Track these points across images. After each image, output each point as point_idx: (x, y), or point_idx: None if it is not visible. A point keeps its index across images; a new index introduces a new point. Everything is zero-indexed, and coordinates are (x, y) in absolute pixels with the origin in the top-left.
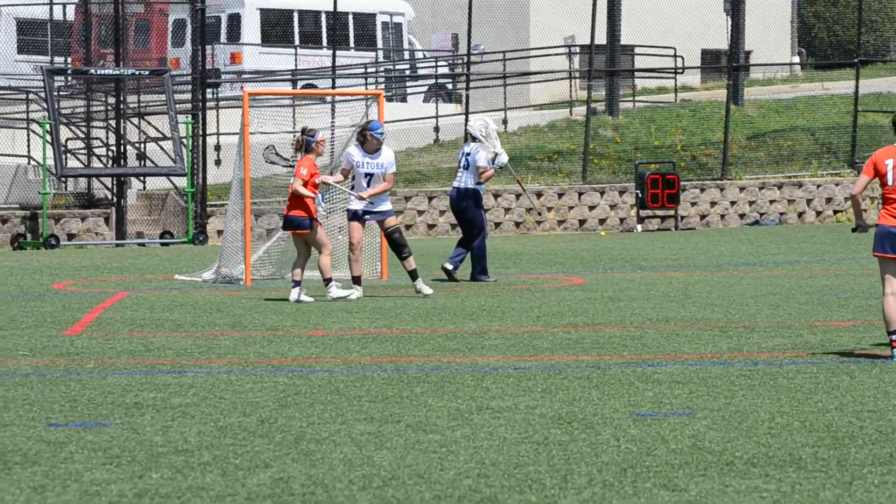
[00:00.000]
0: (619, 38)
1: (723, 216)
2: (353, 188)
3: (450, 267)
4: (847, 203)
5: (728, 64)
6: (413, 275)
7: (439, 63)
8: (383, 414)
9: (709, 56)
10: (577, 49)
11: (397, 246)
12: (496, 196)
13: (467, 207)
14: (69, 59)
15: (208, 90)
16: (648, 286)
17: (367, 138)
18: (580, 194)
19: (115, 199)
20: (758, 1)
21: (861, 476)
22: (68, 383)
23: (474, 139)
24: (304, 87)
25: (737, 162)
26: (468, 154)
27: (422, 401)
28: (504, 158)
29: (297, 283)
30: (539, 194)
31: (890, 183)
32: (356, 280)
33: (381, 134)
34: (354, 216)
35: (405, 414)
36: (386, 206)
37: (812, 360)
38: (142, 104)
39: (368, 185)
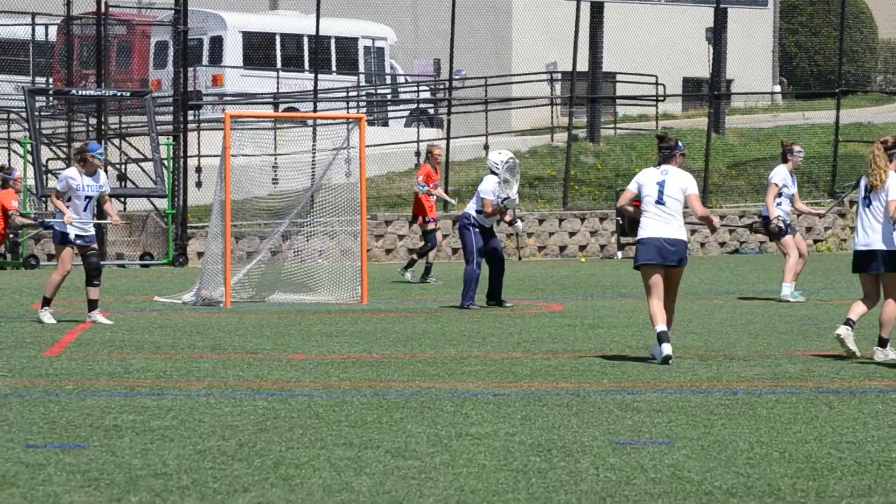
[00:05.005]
0: (601, 65)
1: (703, 244)
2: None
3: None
4: (827, 233)
5: (709, 92)
6: (93, 305)
7: (421, 88)
8: (362, 439)
9: (690, 84)
10: (559, 75)
11: (96, 271)
12: None
13: (458, 230)
14: (51, 80)
15: (190, 112)
16: (628, 314)
17: (88, 159)
18: (561, 220)
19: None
20: (739, 30)
21: None
22: (47, 405)
23: (492, 172)
24: (285, 110)
25: (717, 190)
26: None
27: (401, 426)
28: (513, 202)
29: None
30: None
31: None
32: (47, 302)
33: (101, 154)
34: (66, 240)
35: (384, 439)
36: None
37: (791, 389)
38: (123, 125)
39: (86, 209)
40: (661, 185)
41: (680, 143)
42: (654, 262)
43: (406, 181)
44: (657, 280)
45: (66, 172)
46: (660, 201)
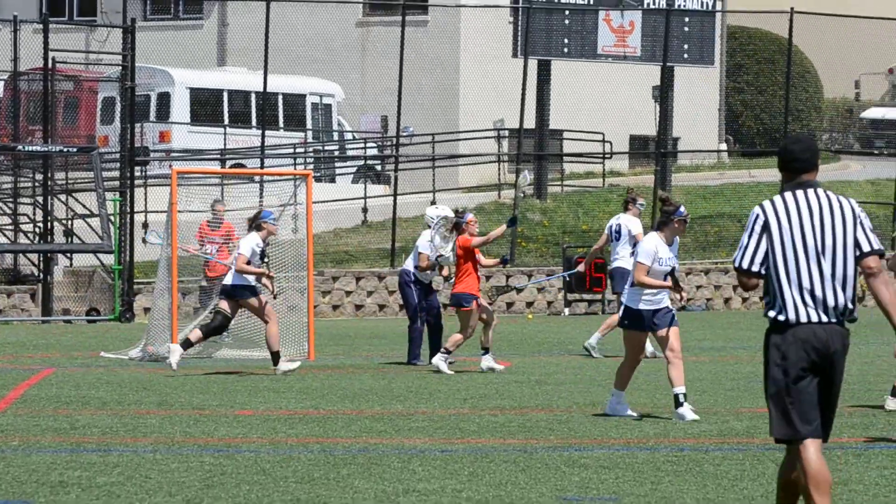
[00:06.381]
0: (548, 122)
1: None
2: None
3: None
4: None
5: (656, 150)
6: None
7: (368, 144)
8: (309, 495)
9: (637, 142)
10: (506, 132)
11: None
12: None
13: (399, 286)
14: None
15: (137, 168)
16: (575, 370)
17: (263, 226)
18: (508, 277)
19: (41, 276)
20: (686, 88)
21: None
22: None
23: (429, 226)
24: (232, 166)
25: None
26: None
27: (348, 483)
28: (447, 259)
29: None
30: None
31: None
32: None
33: (275, 220)
34: (256, 290)
35: (332, 496)
36: None
37: (738, 446)
38: (70, 181)
39: None
40: None
41: (682, 210)
42: None
43: (353, 237)
44: None
45: (251, 242)
46: None
